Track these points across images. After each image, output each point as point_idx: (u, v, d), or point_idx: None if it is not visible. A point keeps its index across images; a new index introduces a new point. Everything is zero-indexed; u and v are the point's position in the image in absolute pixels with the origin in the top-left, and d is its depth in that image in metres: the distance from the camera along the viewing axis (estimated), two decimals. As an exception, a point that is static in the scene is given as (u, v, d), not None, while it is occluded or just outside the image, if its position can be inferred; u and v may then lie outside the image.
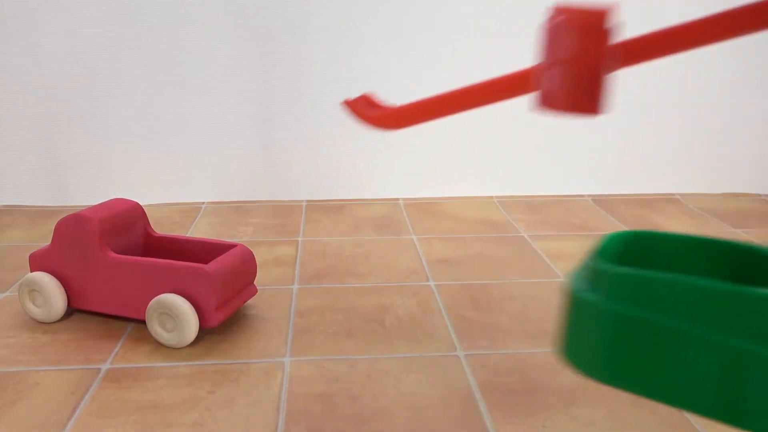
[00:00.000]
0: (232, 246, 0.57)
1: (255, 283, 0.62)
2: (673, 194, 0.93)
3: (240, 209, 0.85)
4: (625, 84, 0.90)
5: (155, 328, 0.51)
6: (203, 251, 0.58)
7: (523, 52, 0.88)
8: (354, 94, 0.87)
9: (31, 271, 0.55)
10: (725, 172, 0.95)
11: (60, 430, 0.41)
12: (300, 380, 0.47)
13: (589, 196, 0.91)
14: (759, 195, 0.94)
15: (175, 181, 0.88)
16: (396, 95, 0.87)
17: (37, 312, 0.54)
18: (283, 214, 0.83)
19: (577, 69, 0.31)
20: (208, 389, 0.45)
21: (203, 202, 0.87)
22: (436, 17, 0.86)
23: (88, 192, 0.87)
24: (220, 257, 0.53)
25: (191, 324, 0.50)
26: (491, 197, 0.91)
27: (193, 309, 0.50)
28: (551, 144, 0.91)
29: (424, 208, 0.86)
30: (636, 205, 0.87)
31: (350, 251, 0.70)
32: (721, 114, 0.93)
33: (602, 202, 0.89)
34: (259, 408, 0.43)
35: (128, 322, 0.55)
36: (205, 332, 0.53)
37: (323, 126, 0.88)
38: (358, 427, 0.42)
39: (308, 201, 0.89)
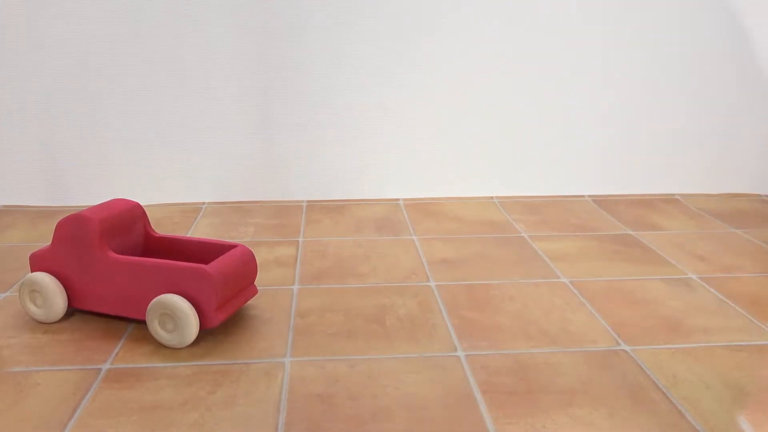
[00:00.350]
0: (232, 246, 0.57)
1: (255, 283, 0.62)
2: (673, 194, 0.93)
3: (241, 209, 0.85)
4: (625, 84, 0.90)
5: (155, 328, 0.51)
6: (204, 251, 0.58)
7: (526, 51, 0.88)
8: (354, 95, 0.87)
9: (32, 272, 0.55)
10: (725, 172, 0.95)
11: (60, 430, 0.41)
12: (300, 381, 0.47)
13: (589, 196, 0.91)
14: (759, 195, 0.94)
15: (175, 181, 0.88)
16: (397, 96, 0.87)
17: (37, 312, 0.54)
18: (284, 215, 0.83)
19: None
20: (208, 390, 0.45)
21: (204, 203, 0.87)
22: (437, 17, 0.86)
23: (88, 192, 0.87)
24: (221, 258, 0.53)
25: (191, 324, 0.50)
26: (491, 197, 0.91)
27: (193, 309, 0.50)
28: (551, 144, 0.91)
29: (425, 209, 0.86)
30: (636, 205, 0.87)
31: (350, 252, 0.70)
32: (721, 114, 0.93)
33: (602, 202, 0.89)
34: (259, 408, 0.43)
35: (129, 323, 0.55)
36: (205, 332, 0.53)
37: (324, 127, 0.88)
38: (359, 428, 0.42)
39: (308, 201, 0.89)
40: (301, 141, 0.88)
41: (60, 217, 0.81)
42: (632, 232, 0.76)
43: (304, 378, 0.47)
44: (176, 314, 0.50)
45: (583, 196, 0.91)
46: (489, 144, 0.91)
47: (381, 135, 0.89)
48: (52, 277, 0.54)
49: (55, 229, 0.54)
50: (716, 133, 0.93)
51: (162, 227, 0.77)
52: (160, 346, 0.51)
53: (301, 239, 0.74)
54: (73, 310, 0.57)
